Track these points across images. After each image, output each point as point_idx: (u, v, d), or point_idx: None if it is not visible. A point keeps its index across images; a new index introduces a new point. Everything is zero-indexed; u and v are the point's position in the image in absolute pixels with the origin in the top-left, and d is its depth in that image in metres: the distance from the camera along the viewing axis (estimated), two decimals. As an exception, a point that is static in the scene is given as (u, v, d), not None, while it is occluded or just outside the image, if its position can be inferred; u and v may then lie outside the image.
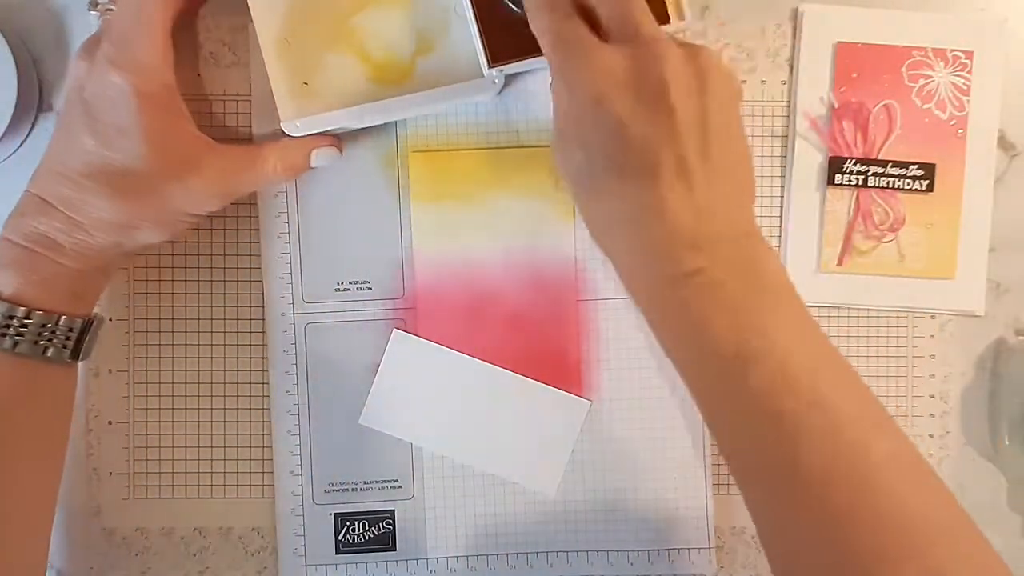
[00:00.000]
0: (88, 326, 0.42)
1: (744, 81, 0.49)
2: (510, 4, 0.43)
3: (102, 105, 0.40)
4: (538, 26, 0.40)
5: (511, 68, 0.45)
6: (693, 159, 0.36)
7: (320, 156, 0.45)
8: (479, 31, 0.44)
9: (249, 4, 0.45)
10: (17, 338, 0.39)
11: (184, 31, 0.47)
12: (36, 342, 0.40)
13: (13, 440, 0.40)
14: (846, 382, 0.37)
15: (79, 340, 0.42)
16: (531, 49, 0.44)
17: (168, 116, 0.41)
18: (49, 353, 0.41)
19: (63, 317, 0.41)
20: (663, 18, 0.45)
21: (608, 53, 0.37)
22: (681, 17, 0.45)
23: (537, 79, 0.48)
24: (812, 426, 0.34)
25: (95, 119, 0.40)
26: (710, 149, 0.37)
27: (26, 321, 0.39)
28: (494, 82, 0.45)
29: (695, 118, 0.37)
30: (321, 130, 0.45)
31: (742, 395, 0.36)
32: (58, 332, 0.41)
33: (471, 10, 0.44)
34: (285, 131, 0.45)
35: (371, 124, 0.46)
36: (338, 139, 0.46)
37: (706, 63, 0.37)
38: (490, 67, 0.45)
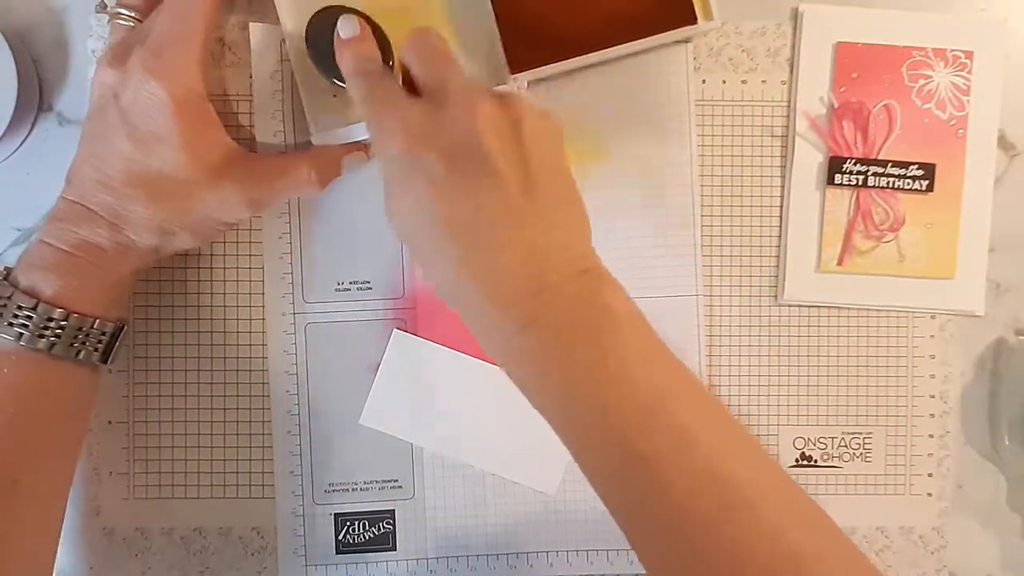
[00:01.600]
0: (119, 330, 0.43)
1: (744, 81, 0.49)
2: (336, 82, 0.43)
3: (141, 113, 0.40)
4: (355, 92, 0.40)
5: (534, 75, 0.45)
6: (519, 204, 0.36)
7: (350, 161, 0.45)
8: (501, 37, 0.45)
9: (280, 14, 0.45)
10: (53, 339, 0.40)
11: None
12: (71, 344, 0.41)
13: (35, 437, 0.41)
14: (702, 410, 0.36)
15: (109, 344, 0.43)
16: (553, 56, 0.44)
17: (203, 124, 0.42)
18: (80, 355, 0.41)
19: (97, 321, 0.41)
20: (691, 18, 0.45)
21: (418, 107, 0.37)
22: (709, 17, 0.45)
23: (556, 87, 0.47)
24: (673, 460, 0.34)
25: (134, 127, 0.40)
26: (535, 191, 0.36)
27: (63, 323, 0.40)
28: (516, 89, 0.45)
29: (513, 163, 0.36)
30: (347, 138, 0.46)
31: (605, 443, 0.35)
32: (91, 335, 0.41)
33: (493, 17, 0.45)
34: (315, 143, 0.45)
35: None
36: (366, 145, 0.46)
37: (517, 109, 0.37)
38: (511, 74, 0.45)
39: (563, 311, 0.35)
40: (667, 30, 0.45)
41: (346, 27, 0.42)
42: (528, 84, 0.46)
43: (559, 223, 0.37)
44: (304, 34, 0.43)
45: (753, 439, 0.36)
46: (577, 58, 0.45)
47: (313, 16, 0.43)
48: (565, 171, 0.38)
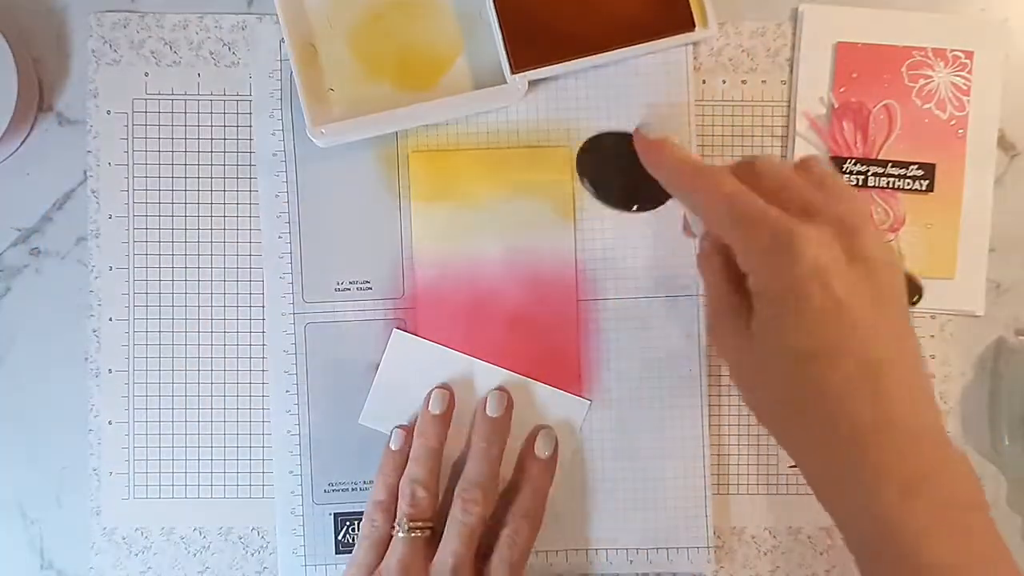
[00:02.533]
0: None
1: (744, 81, 0.49)
2: (604, 201, 0.42)
3: None
4: (706, 197, 0.36)
5: (535, 74, 0.45)
6: (907, 352, 0.34)
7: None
8: (503, 37, 0.45)
9: (277, 10, 0.45)
10: None
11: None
12: None
13: None
14: None
15: None
16: (554, 55, 0.45)
17: None
18: None
19: None
20: (689, 25, 0.45)
21: (820, 231, 0.33)
22: (705, 24, 0.45)
23: (556, 87, 0.48)
24: None
25: None
26: (912, 342, 0.34)
27: None
28: (518, 88, 0.45)
29: (898, 315, 0.34)
30: (347, 137, 0.46)
31: None
32: None
33: (495, 16, 0.45)
34: (311, 138, 0.45)
35: (395, 130, 0.46)
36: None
37: (887, 254, 0.35)
38: (513, 73, 0.45)
39: (947, 494, 0.32)
40: (666, 36, 0.46)
41: (649, 128, 0.39)
42: (528, 83, 0.46)
43: (922, 372, 0.34)
44: (578, 164, 0.43)
45: None
46: (578, 60, 0.45)
47: (583, 146, 0.43)
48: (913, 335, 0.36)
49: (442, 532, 0.44)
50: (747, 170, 0.37)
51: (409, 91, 0.47)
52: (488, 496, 0.44)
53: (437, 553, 0.43)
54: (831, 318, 0.33)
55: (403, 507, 0.44)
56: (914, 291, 0.44)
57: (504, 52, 0.45)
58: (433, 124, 0.48)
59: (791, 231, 0.33)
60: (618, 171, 0.41)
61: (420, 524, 0.44)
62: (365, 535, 0.45)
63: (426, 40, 0.47)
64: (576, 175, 0.44)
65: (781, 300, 0.34)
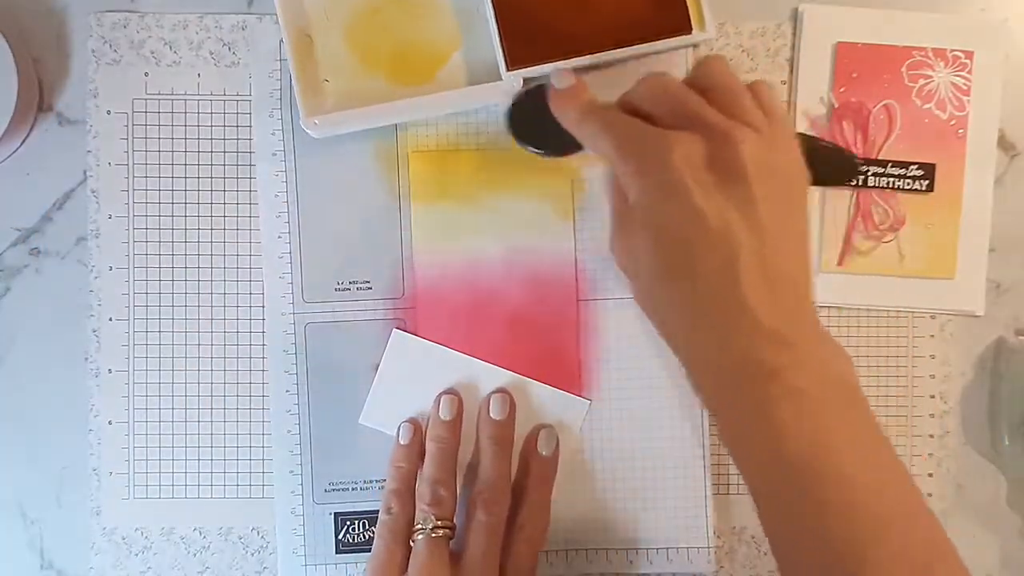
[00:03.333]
0: None
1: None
2: (532, 148, 0.44)
3: None
4: (590, 129, 0.39)
5: (529, 72, 0.45)
6: (772, 254, 0.35)
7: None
8: (499, 34, 0.45)
9: (278, 14, 0.45)
10: None
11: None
12: None
13: None
14: (908, 500, 0.35)
15: None
16: (549, 55, 0.45)
17: None
18: None
19: None
20: (686, 27, 0.45)
21: (685, 140, 0.36)
22: (703, 27, 0.45)
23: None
24: (875, 554, 0.33)
25: None
26: (789, 243, 0.36)
27: None
28: (512, 86, 0.45)
29: (776, 212, 0.36)
30: (340, 128, 0.45)
31: (806, 509, 0.34)
32: None
33: (492, 13, 0.45)
34: (305, 128, 0.45)
35: (389, 123, 0.46)
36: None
37: (783, 153, 0.37)
38: (508, 70, 0.45)
39: (804, 373, 0.35)
40: (663, 37, 0.46)
41: (560, 79, 0.42)
42: (524, 81, 0.46)
43: (800, 271, 0.37)
44: (508, 117, 0.45)
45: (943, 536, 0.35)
46: (573, 59, 0.45)
47: (514, 101, 0.45)
48: (805, 209, 0.38)
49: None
50: (631, 94, 0.40)
51: (404, 85, 0.47)
52: (506, 496, 0.45)
53: (466, 553, 0.44)
54: (691, 227, 0.35)
55: (425, 507, 0.44)
56: (848, 170, 0.45)
57: (500, 49, 0.45)
58: (433, 124, 0.48)
59: (653, 147, 0.36)
60: (546, 121, 0.43)
61: (443, 523, 0.44)
62: (382, 523, 0.45)
63: (423, 35, 0.47)
64: (514, 138, 0.45)
65: (649, 212, 0.36)
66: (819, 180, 0.41)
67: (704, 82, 0.38)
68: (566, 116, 0.42)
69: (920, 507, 0.35)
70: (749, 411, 0.35)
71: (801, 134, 0.40)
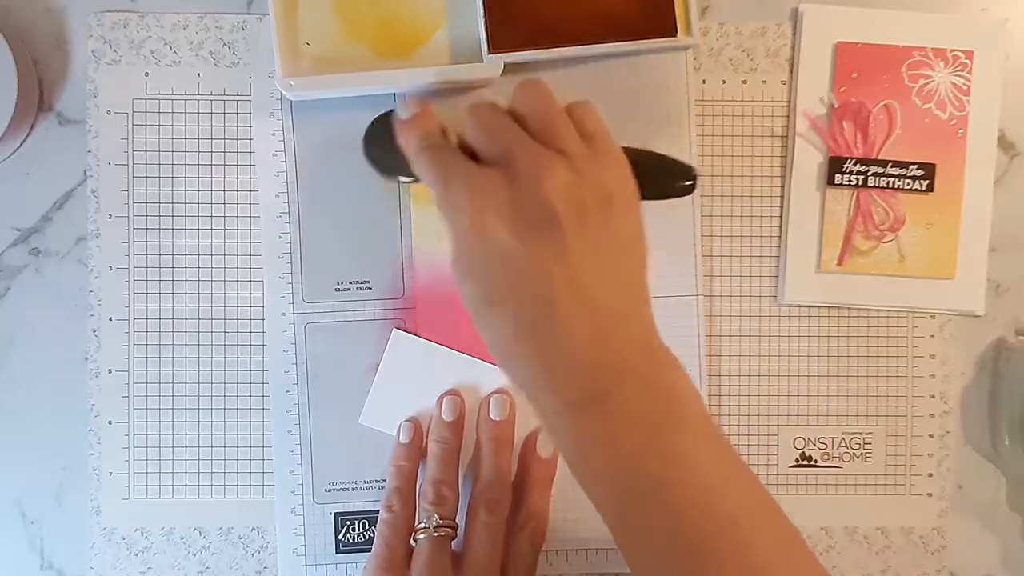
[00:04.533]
0: None
1: (744, 81, 0.49)
2: (402, 180, 0.44)
3: None
4: (418, 163, 0.39)
5: (511, 57, 0.45)
6: (591, 284, 0.35)
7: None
8: (485, 16, 0.45)
9: (271, 12, 0.45)
10: None
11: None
12: None
13: None
14: (755, 502, 0.36)
15: None
16: (533, 41, 0.45)
17: None
18: None
19: None
20: (671, 30, 0.45)
21: (487, 175, 0.36)
22: (688, 33, 0.45)
23: (539, 77, 0.47)
24: (724, 553, 0.34)
25: None
26: (613, 271, 0.36)
27: None
28: (493, 68, 0.45)
29: (583, 230, 0.35)
30: (316, 92, 0.45)
31: (656, 521, 0.34)
32: None
33: None
34: (279, 88, 0.45)
35: (365, 93, 0.46)
36: None
37: (590, 172, 0.36)
38: (491, 53, 0.45)
39: (631, 391, 0.35)
40: (647, 38, 0.46)
41: (404, 108, 0.42)
42: (505, 65, 0.46)
43: (622, 293, 0.36)
44: (363, 143, 0.44)
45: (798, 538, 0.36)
46: (556, 49, 0.45)
47: (371, 122, 0.44)
48: (636, 239, 0.37)
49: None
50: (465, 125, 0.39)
51: (385, 57, 0.47)
52: (507, 496, 0.45)
53: (468, 553, 0.44)
54: (501, 267, 0.35)
55: (428, 507, 0.44)
56: (687, 183, 0.43)
57: (484, 31, 0.45)
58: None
59: (462, 188, 0.36)
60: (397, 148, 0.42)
61: (446, 523, 0.44)
62: (383, 521, 0.45)
63: (410, 8, 0.47)
64: (364, 156, 0.44)
65: (464, 253, 0.36)
66: (653, 193, 0.40)
67: (519, 109, 0.38)
68: (406, 145, 0.41)
69: (766, 503, 0.36)
70: (578, 439, 0.35)
71: (627, 148, 0.38)
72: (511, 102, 0.39)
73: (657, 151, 0.43)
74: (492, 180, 0.36)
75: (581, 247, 0.35)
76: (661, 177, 0.43)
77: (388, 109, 0.44)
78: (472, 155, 0.38)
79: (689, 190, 0.43)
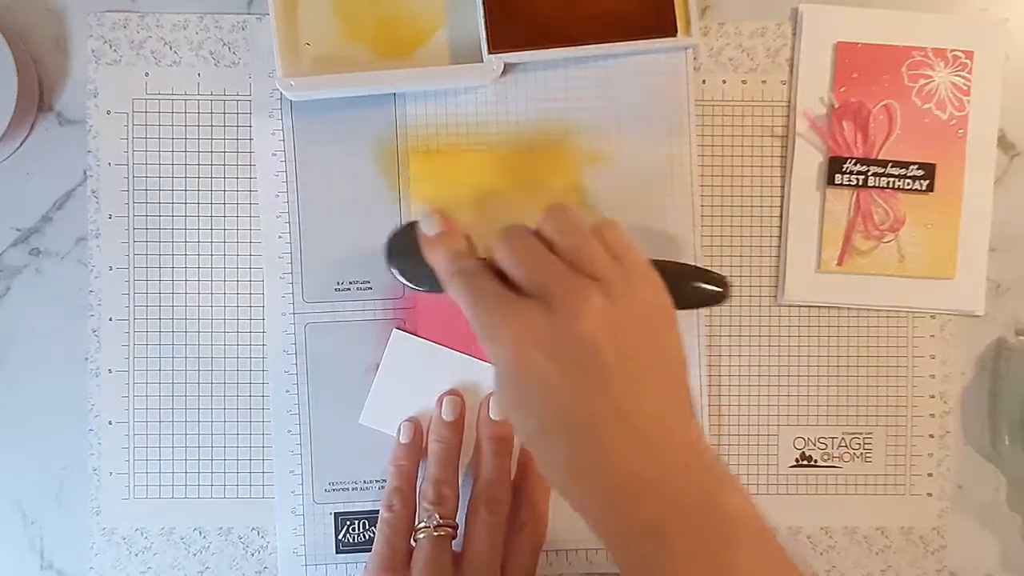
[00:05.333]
0: None
1: (744, 81, 0.49)
2: (410, 285, 0.44)
3: None
4: (452, 287, 0.39)
5: (511, 58, 0.45)
6: (640, 409, 0.35)
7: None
8: (485, 16, 0.45)
9: (271, 12, 0.45)
10: None
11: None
12: None
13: None
14: None
15: None
16: (533, 41, 0.45)
17: None
18: None
19: None
20: (671, 30, 0.45)
21: (526, 308, 0.36)
22: (687, 33, 0.46)
23: (539, 77, 0.48)
24: None
25: None
26: (658, 390, 0.36)
27: None
28: (492, 68, 0.46)
29: (636, 364, 0.36)
30: (316, 92, 0.45)
31: None
32: None
33: None
34: (280, 88, 0.45)
35: (365, 93, 0.46)
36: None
37: (625, 299, 0.36)
38: (490, 53, 0.45)
39: (681, 515, 0.35)
40: (647, 37, 0.46)
41: (429, 224, 0.42)
42: (505, 66, 0.46)
43: (666, 411, 0.36)
44: (386, 251, 0.44)
45: None
46: (557, 49, 0.45)
47: (393, 233, 0.44)
48: (675, 352, 0.38)
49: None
50: (494, 248, 0.39)
51: (385, 57, 0.47)
52: (507, 495, 0.45)
53: (468, 552, 0.44)
54: (548, 403, 0.36)
55: (429, 506, 0.44)
56: (719, 292, 0.44)
57: (484, 31, 0.45)
58: (433, 124, 0.48)
59: (500, 322, 0.36)
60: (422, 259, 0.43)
61: (447, 522, 0.44)
62: (384, 520, 0.45)
63: (410, 8, 0.47)
64: (387, 265, 0.45)
65: (507, 387, 0.37)
66: (685, 303, 0.40)
67: (550, 234, 0.38)
68: (435, 266, 0.42)
69: None
70: (643, 564, 0.35)
71: (657, 261, 0.39)
72: (540, 225, 0.39)
73: (686, 262, 0.45)
74: (531, 313, 0.36)
75: (623, 374, 0.35)
76: (692, 286, 0.44)
77: (410, 221, 0.44)
78: (502, 274, 0.38)
79: (721, 297, 0.44)
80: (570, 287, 0.36)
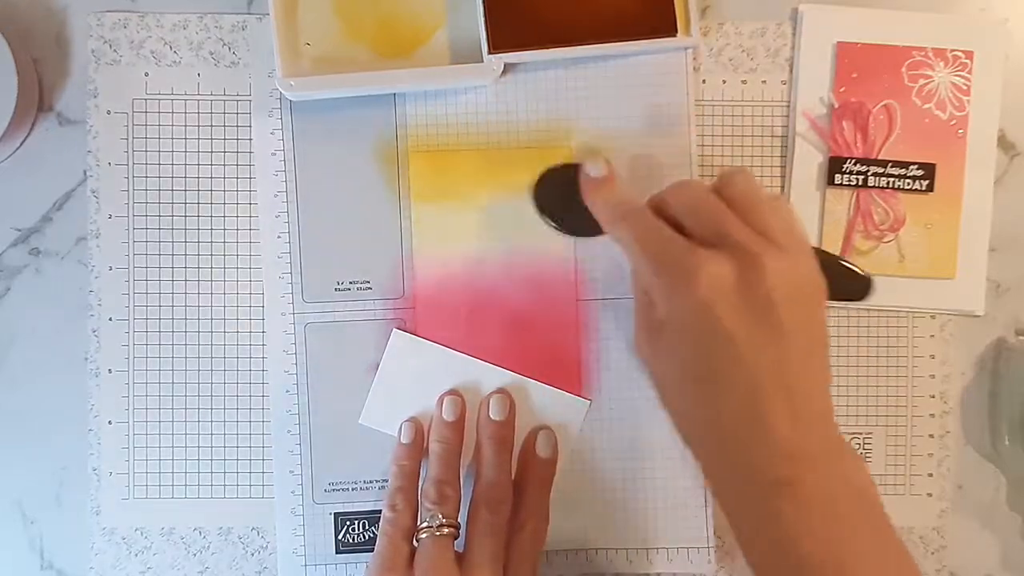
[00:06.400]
0: None
1: (744, 81, 0.49)
2: (552, 223, 0.44)
3: None
4: (622, 234, 0.40)
5: (511, 58, 0.45)
6: (795, 373, 0.36)
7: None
8: (485, 16, 0.45)
9: (271, 13, 0.45)
10: None
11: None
12: None
13: None
14: None
15: None
16: (533, 42, 0.45)
17: None
18: None
19: None
20: (671, 30, 0.46)
21: (715, 262, 0.37)
22: (687, 33, 0.46)
23: (539, 78, 0.48)
24: None
25: None
26: (810, 360, 0.37)
27: None
28: (492, 68, 0.46)
29: (799, 331, 0.37)
30: (316, 92, 0.45)
31: None
32: None
33: None
34: (280, 88, 0.45)
35: (365, 93, 0.46)
36: None
37: (799, 261, 0.38)
38: (490, 53, 0.45)
39: (819, 484, 0.35)
40: (647, 37, 0.46)
41: (595, 167, 0.43)
42: (505, 66, 0.46)
43: (819, 384, 0.38)
44: (533, 194, 0.45)
45: None
46: (557, 49, 0.46)
47: (541, 176, 0.45)
48: (826, 332, 0.39)
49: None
50: (663, 197, 0.40)
51: (385, 57, 0.47)
52: (508, 495, 0.45)
53: (470, 552, 0.44)
54: (720, 350, 0.36)
55: (431, 506, 0.44)
56: (860, 290, 0.44)
57: (484, 31, 0.45)
58: (433, 123, 0.48)
59: (685, 266, 0.37)
60: (572, 200, 0.43)
61: (449, 522, 0.44)
62: (386, 520, 0.45)
63: (410, 8, 0.47)
64: (535, 208, 0.45)
65: (678, 330, 0.38)
66: (832, 295, 0.40)
67: (729, 193, 0.39)
68: (597, 210, 0.42)
69: None
70: (765, 522, 0.36)
71: (817, 249, 0.40)
72: (717, 186, 0.40)
73: (838, 257, 0.45)
74: (720, 263, 0.37)
75: (792, 337, 0.36)
76: (840, 281, 0.44)
77: (562, 162, 0.45)
78: (675, 226, 0.39)
79: (862, 296, 0.45)
80: (754, 243, 0.37)
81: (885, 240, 0.48)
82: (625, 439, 0.48)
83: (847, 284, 0.44)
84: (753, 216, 0.38)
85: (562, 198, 0.43)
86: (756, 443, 0.36)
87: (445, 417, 0.47)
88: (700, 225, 0.38)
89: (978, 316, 0.49)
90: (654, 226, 0.39)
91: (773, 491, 0.35)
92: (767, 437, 0.36)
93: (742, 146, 0.49)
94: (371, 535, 0.48)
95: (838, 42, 0.48)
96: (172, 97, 0.48)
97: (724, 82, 0.49)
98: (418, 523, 0.45)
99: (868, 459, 0.49)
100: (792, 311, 0.36)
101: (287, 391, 0.48)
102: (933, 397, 0.49)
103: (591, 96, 0.48)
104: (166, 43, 0.48)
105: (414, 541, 0.45)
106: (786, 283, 0.36)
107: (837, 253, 0.48)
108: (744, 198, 0.39)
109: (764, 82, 0.49)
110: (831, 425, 0.38)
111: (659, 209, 0.40)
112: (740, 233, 0.37)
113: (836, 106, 0.48)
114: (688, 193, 0.39)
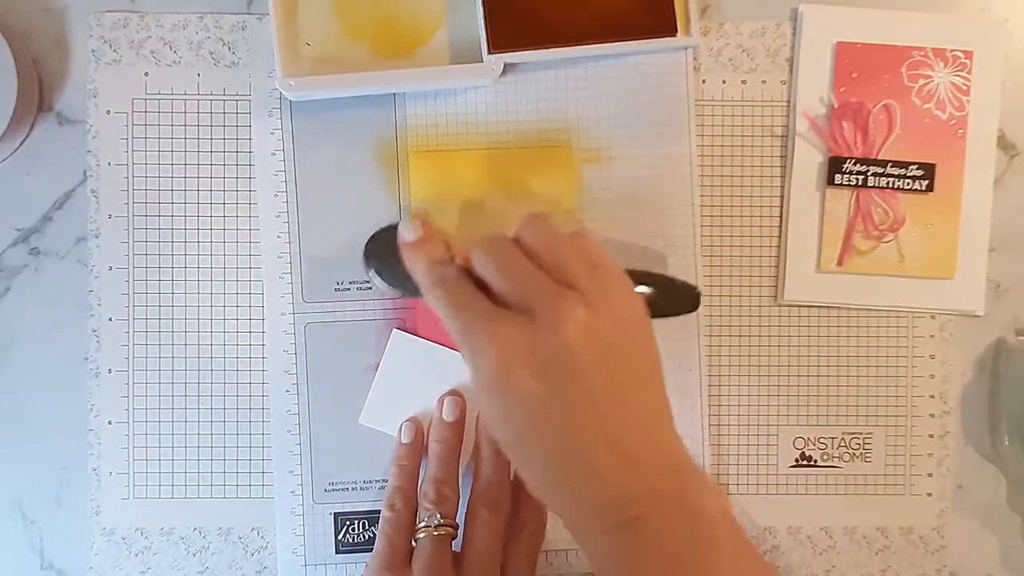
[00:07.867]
0: None
1: (744, 81, 0.49)
2: (389, 288, 0.44)
3: None
4: (435, 304, 0.39)
5: (511, 58, 0.45)
6: (615, 416, 0.36)
7: None
8: (485, 16, 0.45)
9: (271, 12, 0.45)
10: None
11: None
12: None
13: None
14: None
15: None
16: (533, 41, 0.45)
17: None
18: None
19: None
20: (671, 30, 0.46)
21: (508, 325, 0.36)
22: (687, 33, 0.46)
23: (539, 77, 0.48)
24: None
25: None
26: (634, 396, 0.36)
27: None
28: (492, 68, 0.46)
29: (610, 373, 0.36)
30: (316, 92, 0.45)
31: None
32: None
33: None
34: (280, 88, 0.45)
35: (365, 93, 0.46)
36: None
37: (605, 309, 0.37)
38: (490, 53, 0.45)
39: (660, 516, 0.35)
40: (647, 38, 0.46)
41: (409, 230, 0.42)
42: (505, 66, 0.46)
43: (647, 418, 0.37)
44: (365, 255, 0.44)
45: None
46: (557, 49, 0.46)
47: (373, 236, 0.44)
48: (653, 359, 0.38)
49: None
50: (472, 255, 0.40)
51: (385, 57, 0.47)
52: (507, 495, 0.45)
53: (469, 552, 0.44)
54: (519, 415, 0.36)
55: (430, 506, 0.44)
56: (690, 301, 0.45)
57: (484, 31, 0.45)
58: (433, 124, 0.48)
59: (481, 334, 0.37)
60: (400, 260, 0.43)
61: (448, 522, 0.44)
62: (385, 519, 0.45)
63: (410, 8, 0.47)
64: (365, 268, 0.45)
65: (485, 398, 0.37)
66: (658, 312, 0.40)
67: (526, 244, 0.39)
68: (415, 274, 0.42)
69: None
70: (611, 560, 0.36)
71: (631, 271, 0.39)
72: (518, 233, 0.39)
73: (661, 272, 0.45)
74: (513, 326, 0.36)
75: (603, 382, 0.36)
76: (665, 296, 0.44)
77: (389, 224, 0.44)
78: (482, 283, 0.39)
79: (693, 307, 0.45)
80: (551, 299, 0.36)
81: (885, 240, 0.48)
82: (625, 439, 0.48)
83: (678, 298, 0.45)
84: (554, 260, 0.38)
85: (395, 258, 0.43)
86: (590, 493, 0.36)
87: (445, 417, 0.47)
88: (500, 284, 0.38)
89: (978, 316, 0.49)
90: (461, 291, 0.39)
91: (616, 533, 0.35)
92: (600, 486, 0.35)
93: (742, 146, 0.49)
94: (371, 535, 0.48)
95: (838, 42, 0.48)
96: (172, 97, 0.48)
97: (724, 82, 0.49)
98: (417, 522, 0.45)
99: (868, 459, 0.49)
100: (599, 355, 0.36)
101: (287, 391, 0.48)
102: (933, 397, 0.49)
103: (591, 96, 0.48)
104: (166, 43, 0.48)
105: (412, 541, 0.45)
106: (588, 329, 0.36)
107: (836, 252, 0.48)
108: (541, 244, 0.38)
109: (764, 82, 0.49)
110: (674, 455, 0.37)
111: (474, 272, 0.39)
112: (537, 287, 0.37)
113: (836, 106, 0.48)
114: (491, 251, 0.39)
